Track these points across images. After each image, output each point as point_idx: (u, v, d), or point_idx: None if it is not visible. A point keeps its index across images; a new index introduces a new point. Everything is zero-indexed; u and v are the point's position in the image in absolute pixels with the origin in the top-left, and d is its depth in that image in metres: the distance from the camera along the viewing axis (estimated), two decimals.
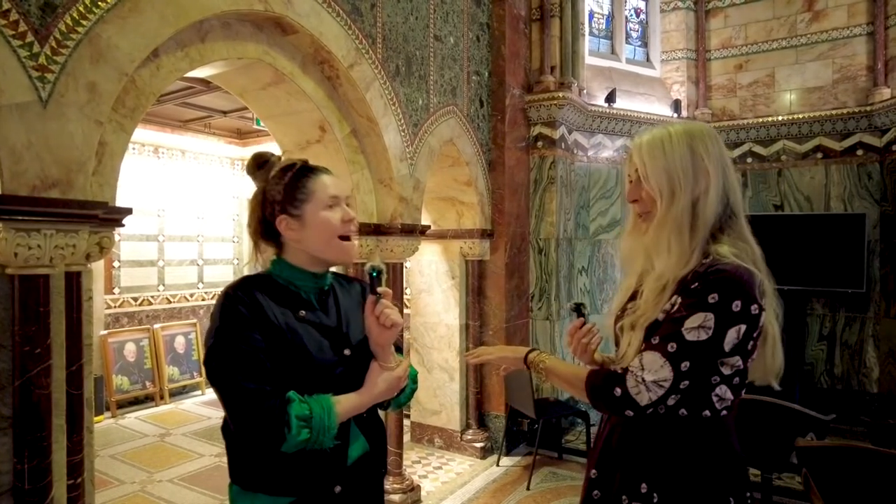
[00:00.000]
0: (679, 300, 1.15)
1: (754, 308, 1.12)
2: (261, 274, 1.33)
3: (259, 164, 1.34)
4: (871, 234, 4.91)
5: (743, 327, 1.11)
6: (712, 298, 1.11)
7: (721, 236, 1.20)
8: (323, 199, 1.30)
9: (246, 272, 7.13)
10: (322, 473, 1.22)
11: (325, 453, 1.20)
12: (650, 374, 1.11)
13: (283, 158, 1.36)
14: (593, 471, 1.31)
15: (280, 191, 1.29)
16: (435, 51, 3.98)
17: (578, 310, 1.46)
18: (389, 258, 3.61)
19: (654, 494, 1.18)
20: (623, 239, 1.39)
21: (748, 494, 1.23)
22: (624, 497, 1.21)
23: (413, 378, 1.42)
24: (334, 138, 3.38)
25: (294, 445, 1.14)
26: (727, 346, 1.11)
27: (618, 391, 1.13)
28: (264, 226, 1.32)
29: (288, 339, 1.21)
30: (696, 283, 1.13)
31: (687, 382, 1.12)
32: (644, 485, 1.19)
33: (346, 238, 1.33)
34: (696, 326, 1.10)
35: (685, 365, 1.11)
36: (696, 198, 1.20)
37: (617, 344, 1.33)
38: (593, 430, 4.26)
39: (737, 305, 1.10)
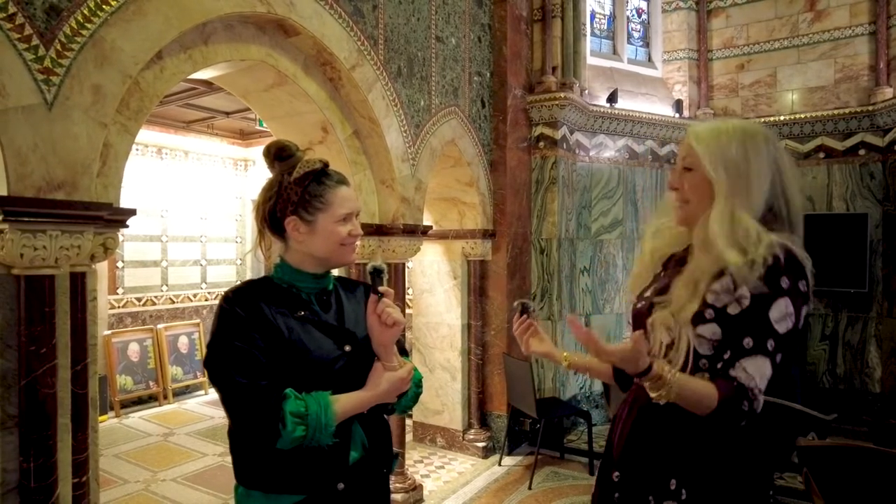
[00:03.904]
0: (745, 292, 1.12)
1: (804, 286, 1.14)
2: (261, 278, 1.35)
3: (280, 155, 1.32)
4: (874, 234, 4.91)
5: (806, 308, 1.14)
6: (784, 283, 1.11)
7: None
8: (338, 214, 1.30)
9: (248, 260, 7.20)
10: (324, 471, 1.24)
11: (325, 451, 1.21)
12: (761, 379, 1.11)
13: (305, 153, 1.34)
14: (616, 473, 1.28)
15: (297, 192, 1.28)
16: (436, 52, 4.00)
17: (524, 310, 1.47)
18: (391, 258, 3.62)
19: (683, 491, 1.17)
20: (657, 215, 1.40)
21: (770, 493, 1.25)
22: (651, 497, 1.20)
23: (417, 382, 1.41)
24: (336, 139, 3.39)
25: (290, 442, 1.15)
26: (800, 327, 1.14)
27: (745, 405, 1.10)
28: (272, 219, 1.32)
29: (286, 338, 1.22)
30: (762, 271, 1.12)
31: (777, 371, 1.13)
32: (673, 481, 1.18)
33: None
34: (783, 316, 1.11)
35: (779, 357, 1.12)
36: (746, 192, 1.20)
37: (636, 327, 1.33)
38: (595, 429, 4.27)
39: (803, 285, 1.12)
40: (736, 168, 1.20)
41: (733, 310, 1.13)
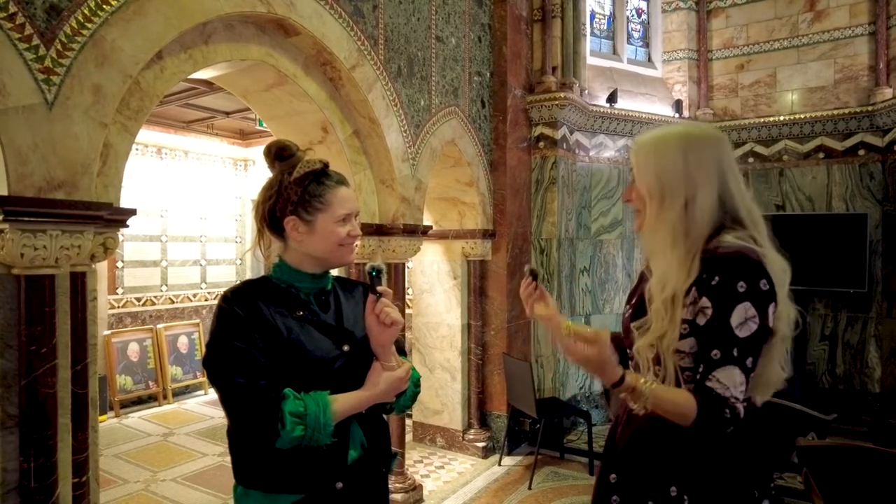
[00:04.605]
0: (706, 302, 1.14)
1: (766, 283, 1.13)
2: (259, 278, 1.35)
3: (280, 154, 1.33)
4: (873, 234, 4.91)
5: (773, 304, 1.13)
6: (741, 287, 1.11)
7: (721, 234, 1.19)
8: (337, 214, 1.30)
9: (248, 260, 7.20)
10: (323, 471, 1.24)
11: (324, 450, 1.21)
12: (735, 388, 1.11)
13: (306, 153, 1.35)
14: (612, 475, 1.28)
15: (297, 193, 1.28)
16: (436, 52, 4.00)
17: (533, 275, 1.49)
18: (391, 258, 3.62)
19: (685, 497, 1.17)
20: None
21: (770, 485, 1.25)
22: (650, 502, 1.21)
23: (416, 381, 1.42)
24: (336, 139, 3.39)
25: (288, 441, 1.15)
26: (770, 324, 1.13)
27: (727, 413, 1.11)
28: (271, 218, 1.32)
29: (285, 338, 1.23)
30: (716, 278, 1.13)
31: (753, 374, 1.14)
32: (674, 488, 1.18)
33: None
34: (744, 321, 1.11)
35: (749, 361, 1.13)
36: (686, 202, 1.19)
37: (624, 337, 1.34)
38: (595, 429, 4.27)
39: (764, 284, 1.12)
40: (677, 178, 1.20)
41: (700, 321, 1.15)
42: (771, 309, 1.13)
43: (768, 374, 1.19)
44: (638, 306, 1.29)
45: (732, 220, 1.21)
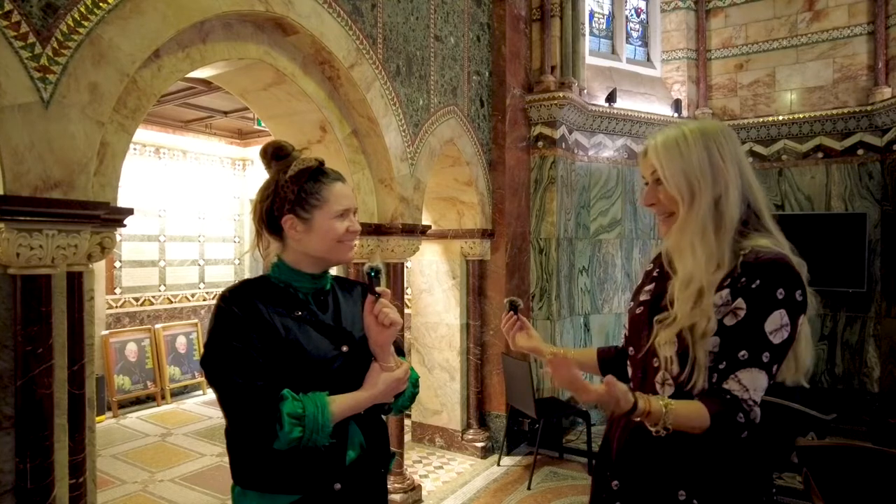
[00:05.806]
0: (741, 304, 1.12)
1: (801, 294, 1.13)
2: (258, 277, 1.34)
3: (277, 155, 1.33)
4: (872, 234, 4.92)
5: (803, 315, 1.13)
6: (780, 294, 1.10)
7: (749, 232, 1.18)
8: (334, 210, 1.30)
9: (247, 260, 7.18)
10: (321, 471, 1.23)
11: (322, 451, 1.20)
12: (755, 391, 1.10)
13: (302, 153, 1.35)
14: (615, 482, 1.26)
15: (294, 191, 1.28)
16: (435, 51, 3.99)
17: (513, 307, 1.51)
18: (390, 258, 3.62)
19: (694, 501, 1.16)
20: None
21: (773, 489, 1.24)
22: None
23: (414, 382, 1.41)
24: (335, 138, 3.38)
25: (286, 443, 1.15)
26: (796, 336, 1.13)
27: (741, 417, 1.09)
28: (269, 218, 1.32)
29: (283, 337, 1.22)
30: (757, 281, 1.11)
31: (772, 381, 1.13)
32: (682, 492, 1.16)
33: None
34: (778, 328, 1.10)
35: (775, 368, 1.12)
36: (716, 198, 1.18)
37: (632, 331, 1.32)
38: (594, 429, 4.26)
39: (799, 295, 1.11)
40: (704, 175, 1.18)
41: (729, 321, 1.13)
42: (801, 320, 1.12)
43: (801, 355, 1.19)
44: (652, 304, 1.27)
45: (754, 213, 1.21)
